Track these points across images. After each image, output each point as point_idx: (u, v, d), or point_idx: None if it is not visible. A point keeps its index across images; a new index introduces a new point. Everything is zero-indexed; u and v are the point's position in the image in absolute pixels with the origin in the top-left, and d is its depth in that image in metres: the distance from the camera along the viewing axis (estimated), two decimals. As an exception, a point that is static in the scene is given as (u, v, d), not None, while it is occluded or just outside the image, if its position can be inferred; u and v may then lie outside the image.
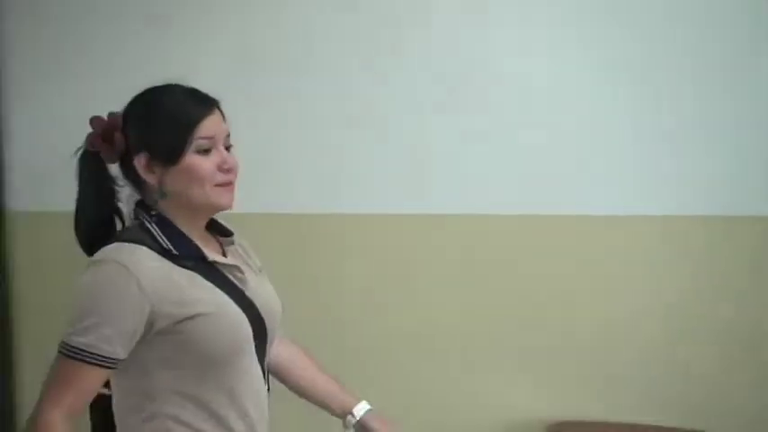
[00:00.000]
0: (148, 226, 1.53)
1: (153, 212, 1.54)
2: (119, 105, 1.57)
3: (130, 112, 1.56)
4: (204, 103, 1.56)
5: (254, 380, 1.58)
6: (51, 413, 1.43)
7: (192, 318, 1.46)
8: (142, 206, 1.57)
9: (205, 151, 1.53)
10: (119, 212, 1.60)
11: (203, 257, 1.54)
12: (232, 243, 1.67)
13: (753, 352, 2.60)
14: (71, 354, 1.43)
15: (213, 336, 1.48)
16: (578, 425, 2.62)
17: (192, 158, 1.52)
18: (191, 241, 1.55)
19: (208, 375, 1.51)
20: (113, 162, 1.57)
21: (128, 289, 1.43)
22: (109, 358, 1.44)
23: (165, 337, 1.46)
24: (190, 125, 1.52)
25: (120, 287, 1.43)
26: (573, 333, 2.66)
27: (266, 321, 1.60)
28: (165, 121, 1.53)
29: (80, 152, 1.58)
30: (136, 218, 1.57)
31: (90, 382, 1.45)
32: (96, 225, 1.57)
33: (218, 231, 1.66)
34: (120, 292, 1.43)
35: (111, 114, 1.57)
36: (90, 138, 1.57)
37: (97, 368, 1.44)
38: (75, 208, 1.58)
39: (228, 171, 1.55)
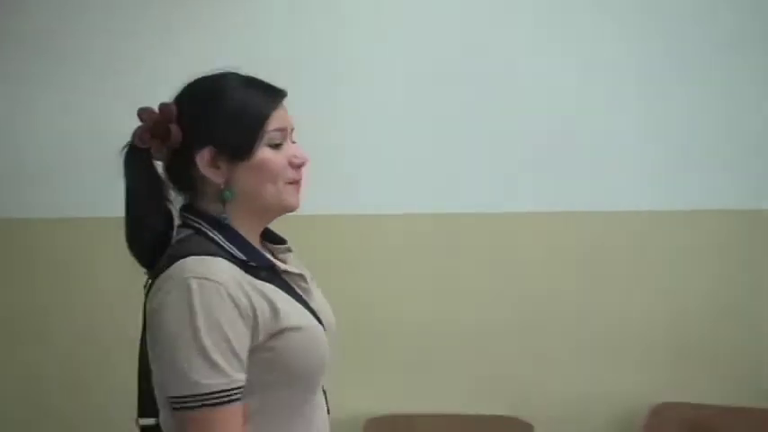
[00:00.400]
0: (211, 234, 1.36)
1: (208, 217, 1.38)
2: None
3: (188, 103, 1.38)
4: (274, 93, 1.42)
5: (322, 400, 1.45)
6: None
7: (282, 333, 1.31)
8: (191, 211, 1.40)
9: (276, 145, 1.39)
10: (171, 218, 1.42)
11: (273, 267, 1.39)
12: (289, 251, 1.51)
13: None
14: (211, 401, 1.22)
15: (302, 352, 1.33)
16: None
17: (264, 153, 1.38)
18: (256, 249, 1.39)
19: (287, 395, 1.35)
20: (163, 159, 1.39)
21: (233, 309, 1.26)
22: (241, 387, 1.26)
23: (253, 356, 1.29)
24: (262, 116, 1.38)
25: (226, 309, 1.25)
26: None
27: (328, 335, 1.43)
28: (234, 112, 1.37)
29: (125, 149, 1.39)
30: (185, 225, 1.40)
31: (238, 422, 1.26)
32: (158, 234, 1.38)
33: (268, 238, 1.50)
34: (227, 314, 1.25)
35: (162, 105, 1.38)
36: (139, 132, 1.37)
37: (239, 403, 1.26)
38: (131, 215, 1.37)
39: (299, 167, 1.42)
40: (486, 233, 2.77)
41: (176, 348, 1.23)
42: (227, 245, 1.35)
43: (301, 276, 1.44)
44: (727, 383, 2.76)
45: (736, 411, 2.68)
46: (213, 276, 1.25)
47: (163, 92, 1.42)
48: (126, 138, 1.39)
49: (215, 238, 1.35)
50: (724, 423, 2.66)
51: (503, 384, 2.79)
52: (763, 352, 2.79)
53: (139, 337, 1.40)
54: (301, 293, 1.41)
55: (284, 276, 1.40)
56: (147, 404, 1.40)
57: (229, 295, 1.25)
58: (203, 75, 1.42)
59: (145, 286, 1.36)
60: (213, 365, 1.22)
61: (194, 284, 1.24)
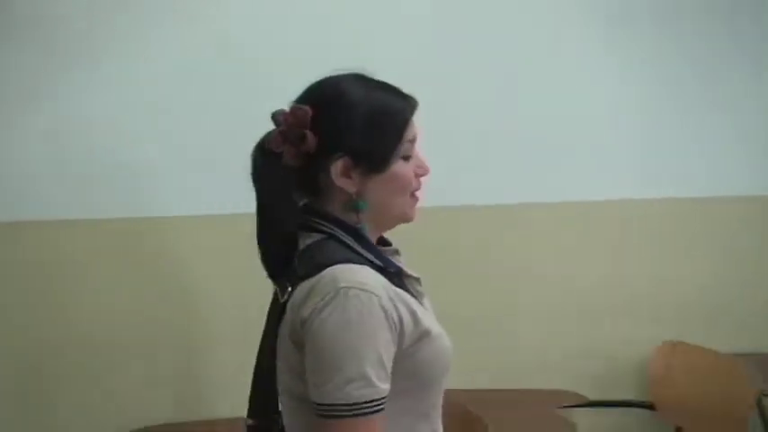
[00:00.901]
0: (345, 240, 1.34)
1: (342, 224, 1.35)
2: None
3: (323, 108, 1.32)
4: (409, 100, 1.38)
5: (440, 402, 1.42)
6: None
7: (420, 339, 1.30)
8: (320, 215, 1.37)
9: (407, 157, 1.37)
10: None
11: (401, 271, 1.38)
12: (397, 253, 1.47)
13: None
14: (360, 411, 1.22)
15: (435, 357, 1.33)
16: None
17: (398, 165, 1.35)
18: (386, 256, 1.39)
19: (417, 401, 1.35)
20: (295, 165, 1.33)
21: (384, 320, 1.25)
22: (385, 398, 1.25)
23: (395, 365, 1.28)
24: (400, 129, 1.35)
25: (379, 320, 1.24)
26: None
27: None
28: (372, 123, 1.32)
29: (256, 153, 1.36)
30: (311, 228, 1.36)
31: (382, 431, 1.25)
32: (290, 238, 1.35)
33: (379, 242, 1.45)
34: (380, 325, 1.24)
35: (297, 109, 1.33)
36: (274, 136, 1.34)
37: (383, 413, 1.24)
38: (266, 219, 1.36)
39: (422, 177, 1.40)
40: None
41: (331, 358, 1.22)
42: (364, 252, 1.33)
43: (417, 280, 1.41)
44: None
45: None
46: (367, 287, 1.24)
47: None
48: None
49: (350, 244, 1.33)
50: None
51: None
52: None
53: (261, 337, 1.40)
54: (416, 296, 1.38)
55: (404, 280, 1.38)
56: (258, 405, 1.40)
57: (382, 306, 1.24)
58: (334, 76, 1.37)
59: (281, 289, 1.33)
60: (364, 376, 1.21)
61: (351, 294, 1.23)
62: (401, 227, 1.43)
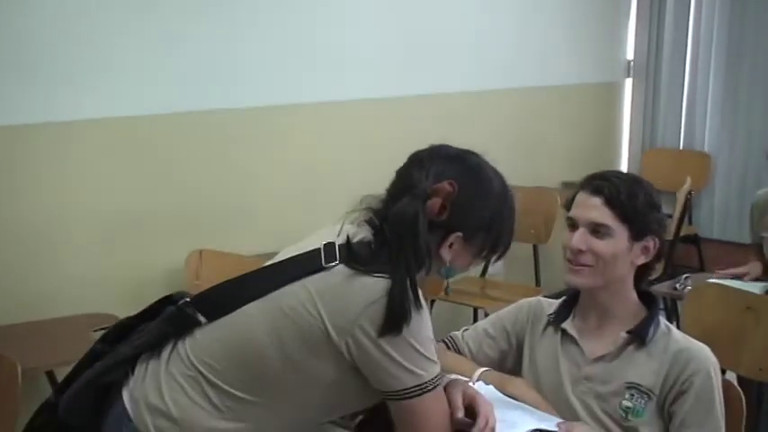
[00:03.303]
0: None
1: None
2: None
3: (468, 194, 1.62)
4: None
5: None
6: None
7: None
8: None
9: None
10: None
11: None
12: None
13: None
14: (436, 384, 1.57)
15: None
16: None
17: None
18: None
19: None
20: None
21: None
22: None
23: None
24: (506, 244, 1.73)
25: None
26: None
27: None
28: (497, 233, 1.67)
29: (412, 212, 1.56)
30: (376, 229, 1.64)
31: None
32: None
33: None
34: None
35: (449, 185, 1.59)
36: (433, 205, 1.59)
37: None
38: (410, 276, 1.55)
39: None
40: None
41: (410, 344, 1.55)
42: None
43: None
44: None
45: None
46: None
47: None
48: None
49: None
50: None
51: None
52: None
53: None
54: None
55: None
56: None
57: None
58: (490, 168, 1.68)
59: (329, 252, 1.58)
60: (429, 357, 1.57)
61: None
62: None
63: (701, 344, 1.84)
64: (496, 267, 3.92)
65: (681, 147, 5.39)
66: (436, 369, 1.57)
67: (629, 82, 5.47)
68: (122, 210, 3.07)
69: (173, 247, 3.15)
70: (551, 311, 1.96)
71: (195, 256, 3.14)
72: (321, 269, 1.57)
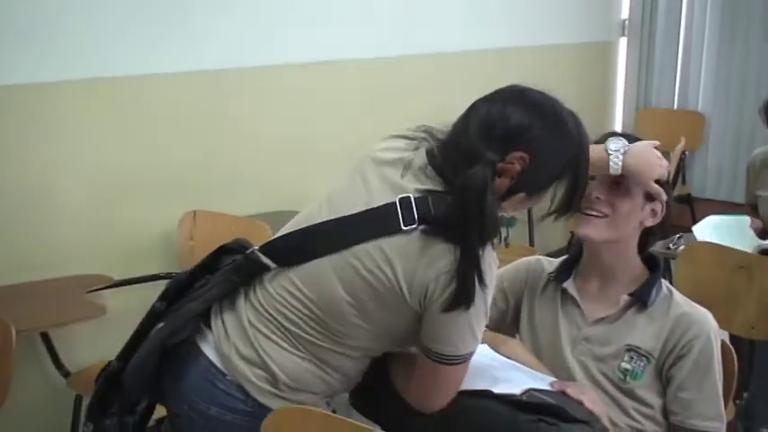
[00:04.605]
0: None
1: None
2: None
3: (539, 154, 1.59)
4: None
5: None
6: None
7: None
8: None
9: None
10: None
11: None
12: None
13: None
14: (467, 358, 1.63)
15: None
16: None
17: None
18: None
19: None
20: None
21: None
22: None
23: None
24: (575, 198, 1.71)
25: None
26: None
27: None
28: (565, 186, 1.66)
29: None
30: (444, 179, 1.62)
31: None
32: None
33: None
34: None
35: (520, 158, 1.58)
36: (498, 183, 1.58)
37: None
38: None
39: None
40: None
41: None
42: None
43: None
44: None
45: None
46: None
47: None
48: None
49: None
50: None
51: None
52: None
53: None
54: None
55: None
56: None
57: None
58: (570, 121, 1.65)
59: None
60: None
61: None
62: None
63: (702, 308, 1.85)
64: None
65: (675, 106, 5.37)
66: (476, 345, 1.62)
67: (623, 41, 5.44)
68: (115, 171, 3.04)
69: (166, 208, 3.13)
70: (551, 270, 1.96)
71: (189, 218, 3.13)
72: (399, 231, 1.56)
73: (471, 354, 1.62)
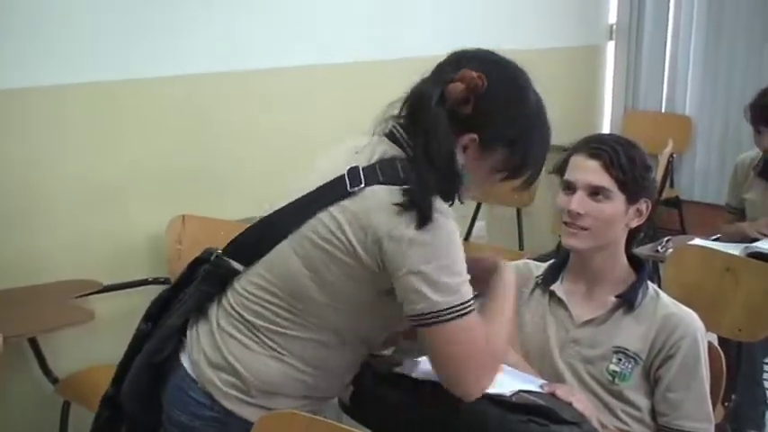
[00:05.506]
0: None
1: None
2: None
3: (495, 90, 1.54)
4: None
5: None
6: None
7: None
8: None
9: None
10: None
11: None
12: None
13: None
14: (470, 309, 1.52)
15: None
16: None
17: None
18: None
19: None
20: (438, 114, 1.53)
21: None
22: None
23: None
24: (541, 164, 1.70)
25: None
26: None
27: None
28: (530, 140, 1.63)
29: (434, 103, 1.52)
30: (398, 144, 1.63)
31: None
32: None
33: None
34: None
35: (473, 75, 1.52)
36: (454, 86, 1.52)
37: None
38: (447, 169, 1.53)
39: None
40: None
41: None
42: None
43: None
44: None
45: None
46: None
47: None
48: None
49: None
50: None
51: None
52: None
53: None
54: None
55: None
56: None
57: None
58: (517, 66, 1.61)
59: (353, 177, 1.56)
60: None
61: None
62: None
63: (688, 309, 1.86)
64: (480, 230, 3.93)
65: (663, 110, 5.39)
66: (469, 290, 1.52)
67: (611, 45, 5.45)
68: (103, 175, 3.03)
69: (154, 212, 3.12)
70: (539, 274, 1.96)
71: (177, 222, 3.12)
72: (347, 195, 1.54)
73: (468, 302, 1.51)
